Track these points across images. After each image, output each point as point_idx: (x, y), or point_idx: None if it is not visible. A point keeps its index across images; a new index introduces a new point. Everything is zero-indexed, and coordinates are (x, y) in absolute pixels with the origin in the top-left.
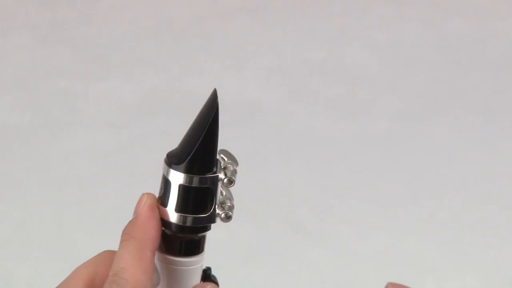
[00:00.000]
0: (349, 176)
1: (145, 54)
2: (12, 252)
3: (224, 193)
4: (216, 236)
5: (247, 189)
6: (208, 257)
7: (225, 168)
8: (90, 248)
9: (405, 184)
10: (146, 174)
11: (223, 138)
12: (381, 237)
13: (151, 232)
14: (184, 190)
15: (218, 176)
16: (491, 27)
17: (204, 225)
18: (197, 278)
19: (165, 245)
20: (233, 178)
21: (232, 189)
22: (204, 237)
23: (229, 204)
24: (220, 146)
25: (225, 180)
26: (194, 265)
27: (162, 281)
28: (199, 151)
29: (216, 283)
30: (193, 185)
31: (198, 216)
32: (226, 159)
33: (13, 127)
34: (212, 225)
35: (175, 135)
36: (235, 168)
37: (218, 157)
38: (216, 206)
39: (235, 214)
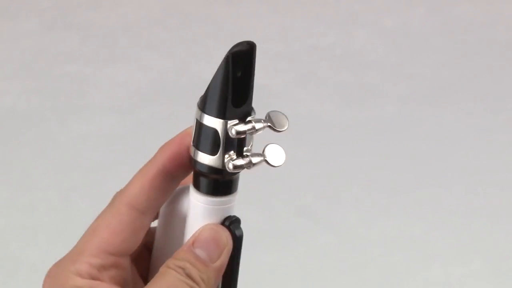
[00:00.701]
0: (355, 161)
1: (152, 39)
2: (20, 237)
3: (247, 148)
4: None
5: (253, 174)
6: None
7: (248, 122)
8: None
9: (412, 170)
10: None
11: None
12: (388, 223)
13: (165, 153)
14: (197, 125)
15: (226, 122)
16: (499, 11)
17: (211, 166)
18: (207, 219)
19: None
20: (242, 130)
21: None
22: (216, 181)
23: (239, 159)
24: None
25: (233, 130)
26: (201, 202)
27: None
28: (209, 92)
29: (233, 233)
30: (203, 122)
31: (204, 154)
32: (267, 118)
33: (21, 112)
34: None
35: (182, 119)
36: (262, 126)
37: (253, 112)
38: (225, 152)
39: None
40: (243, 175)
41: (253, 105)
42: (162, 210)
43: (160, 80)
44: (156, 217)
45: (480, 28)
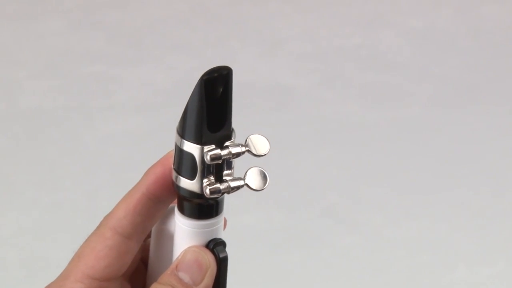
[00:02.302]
0: (381, 162)
1: (178, 39)
2: (45, 236)
3: (228, 171)
4: (247, 221)
5: (278, 174)
6: (239, 242)
7: (225, 147)
8: None
9: (437, 171)
10: None
11: (254, 123)
12: (413, 224)
13: (149, 177)
14: (176, 149)
15: (202, 147)
16: None
17: (191, 190)
18: (192, 241)
19: None
20: (217, 156)
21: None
22: (199, 205)
23: (217, 184)
24: (251, 131)
25: (208, 156)
26: (185, 225)
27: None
28: (185, 117)
29: (217, 255)
30: (180, 147)
31: (183, 179)
32: (246, 142)
33: (47, 111)
34: (243, 209)
35: None
36: (240, 151)
37: (233, 135)
38: (203, 177)
39: (262, 199)
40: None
41: (280, 105)
42: (153, 229)
43: (186, 80)
44: (148, 236)
45: (507, 29)
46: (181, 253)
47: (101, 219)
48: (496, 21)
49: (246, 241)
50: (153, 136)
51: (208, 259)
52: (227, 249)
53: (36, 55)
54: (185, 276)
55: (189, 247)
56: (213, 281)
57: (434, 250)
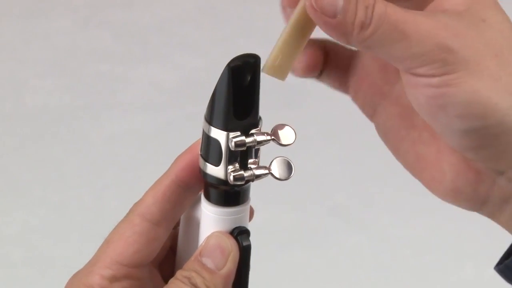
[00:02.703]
0: (388, 162)
1: (185, 38)
2: (52, 235)
3: (254, 160)
4: (255, 219)
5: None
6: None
7: (250, 134)
8: None
9: None
10: None
11: (263, 120)
12: (420, 223)
13: (178, 163)
14: (203, 135)
15: (228, 134)
16: None
17: (216, 177)
18: (217, 228)
19: None
20: (242, 142)
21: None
22: (224, 192)
23: (241, 171)
24: (263, 128)
25: (232, 142)
26: (210, 212)
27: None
28: (212, 104)
29: (240, 243)
30: (207, 133)
31: (210, 165)
32: (273, 131)
33: (54, 109)
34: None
35: None
36: (265, 139)
37: (260, 124)
38: (228, 164)
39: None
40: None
41: (288, 103)
42: (182, 216)
43: (192, 79)
44: (178, 224)
45: None
46: (205, 239)
47: (108, 216)
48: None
49: (254, 239)
50: (160, 135)
51: (231, 244)
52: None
53: (43, 54)
54: (208, 261)
55: (212, 233)
56: (235, 267)
57: (441, 249)
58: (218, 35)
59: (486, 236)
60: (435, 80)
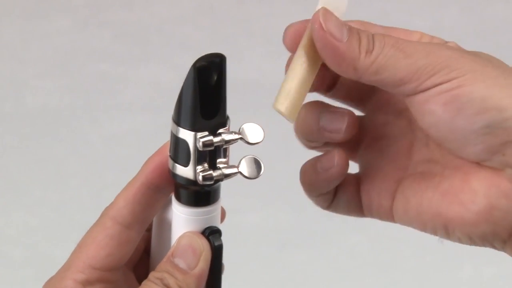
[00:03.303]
0: None
1: (185, 38)
2: (52, 235)
3: (222, 159)
4: (254, 220)
5: (285, 173)
6: (245, 241)
7: (218, 134)
8: None
9: None
10: None
11: (261, 121)
12: None
13: (148, 166)
14: (171, 136)
15: (195, 134)
16: None
17: (185, 177)
18: (188, 229)
19: None
20: (209, 142)
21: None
22: (194, 192)
23: (210, 171)
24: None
25: (200, 142)
26: (181, 213)
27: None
28: (179, 104)
29: (212, 243)
30: (175, 134)
31: (179, 166)
32: (241, 130)
33: (53, 110)
34: (250, 208)
35: None
36: (233, 138)
37: (228, 124)
38: (197, 164)
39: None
40: (274, 175)
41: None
42: (155, 218)
43: None
44: (150, 227)
45: None
46: (177, 239)
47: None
48: (503, 21)
49: (252, 240)
50: (160, 135)
51: (202, 244)
52: (231, 244)
53: (43, 54)
54: (180, 261)
55: (183, 233)
56: (208, 266)
57: (440, 249)
58: (218, 35)
59: None
60: (445, 86)
